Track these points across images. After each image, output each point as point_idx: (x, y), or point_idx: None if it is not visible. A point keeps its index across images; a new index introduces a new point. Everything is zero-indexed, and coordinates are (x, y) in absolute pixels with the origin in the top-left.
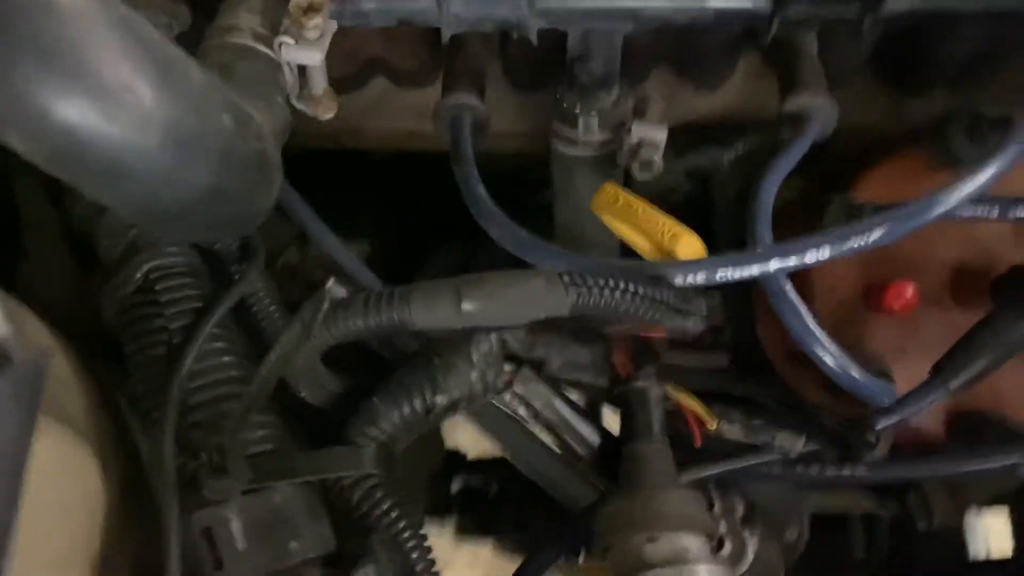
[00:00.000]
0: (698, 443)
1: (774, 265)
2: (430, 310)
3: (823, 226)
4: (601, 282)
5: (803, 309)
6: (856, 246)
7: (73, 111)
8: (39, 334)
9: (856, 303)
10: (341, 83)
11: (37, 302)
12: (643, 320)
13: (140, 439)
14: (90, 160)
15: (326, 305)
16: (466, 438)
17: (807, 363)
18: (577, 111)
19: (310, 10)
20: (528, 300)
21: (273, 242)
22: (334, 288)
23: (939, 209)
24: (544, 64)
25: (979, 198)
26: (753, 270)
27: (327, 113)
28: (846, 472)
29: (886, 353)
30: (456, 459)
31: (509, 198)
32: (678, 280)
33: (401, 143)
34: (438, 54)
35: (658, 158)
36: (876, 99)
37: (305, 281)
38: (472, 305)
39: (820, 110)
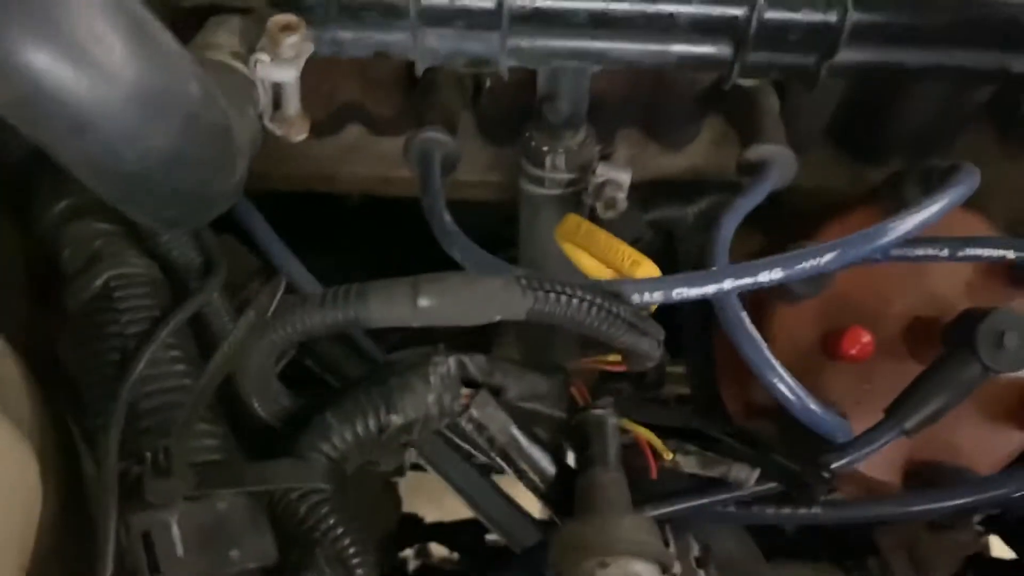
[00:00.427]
0: (654, 475)
1: (728, 284)
2: (387, 306)
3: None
4: (559, 287)
5: (760, 341)
6: (808, 267)
7: (42, 58)
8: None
9: (815, 352)
10: (316, 128)
11: None
12: (599, 333)
13: (86, 460)
14: (55, 109)
15: (280, 292)
16: (425, 503)
17: (767, 416)
18: (545, 149)
19: (287, 28)
20: (485, 300)
21: (237, 274)
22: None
23: (888, 237)
24: (515, 118)
25: (929, 239)
26: (709, 288)
27: (299, 135)
28: (802, 511)
29: (844, 403)
30: (413, 523)
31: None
32: (635, 297)
33: (375, 188)
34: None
35: (622, 196)
36: (837, 167)
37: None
38: (428, 302)
39: (779, 156)
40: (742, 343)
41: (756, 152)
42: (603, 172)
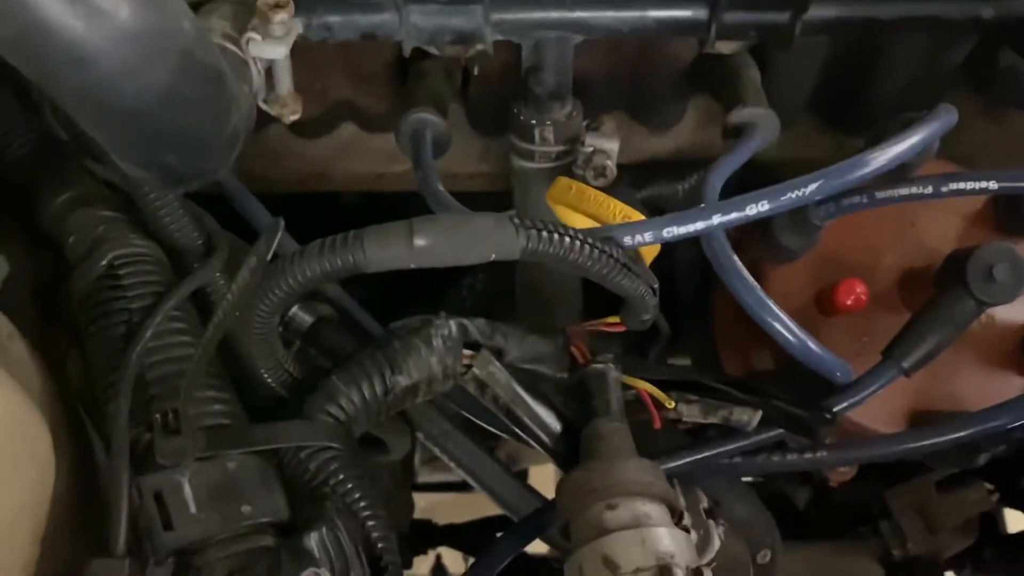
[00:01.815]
0: (657, 424)
1: (717, 219)
2: (383, 249)
3: (774, 237)
4: (552, 227)
5: (755, 283)
6: (793, 197)
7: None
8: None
9: (811, 310)
10: (310, 127)
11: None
12: (593, 273)
13: (94, 439)
14: (53, 43)
15: (280, 233)
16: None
17: (767, 375)
18: (533, 123)
19: (276, 6)
20: (480, 238)
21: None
22: (298, 315)
23: (869, 167)
24: (504, 108)
25: (912, 179)
26: (698, 226)
27: (292, 115)
28: (808, 456)
29: (844, 357)
30: (427, 528)
31: None
32: (627, 240)
33: (369, 185)
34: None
35: (611, 164)
36: (820, 137)
37: None
38: (424, 241)
39: (763, 118)
40: (737, 287)
41: (739, 115)
42: (592, 142)
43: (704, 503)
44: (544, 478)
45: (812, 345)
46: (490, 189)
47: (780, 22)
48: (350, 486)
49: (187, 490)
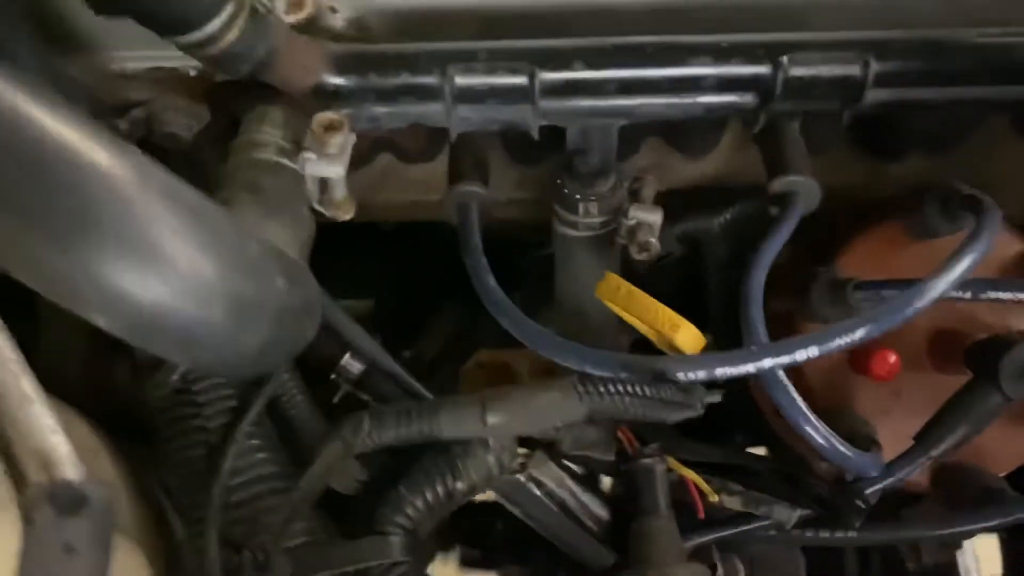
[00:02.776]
0: (701, 515)
1: (768, 363)
2: (457, 424)
3: (811, 301)
4: (611, 388)
5: (793, 391)
6: (842, 343)
7: (149, 293)
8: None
9: (843, 367)
10: (351, 160)
11: (54, 377)
12: (649, 418)
13: (173, 519)
14: (164, 335)
15: (366, 427)
16: None
17: None
18: (577, 198)
19: (331, 128)
20: (547, 411)
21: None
22: (350, 363)
23: (917, 304)
24: (543, 138)
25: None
26: (749, 368)
27: (346, 215)
28: (838, 535)
29: (872, 414)
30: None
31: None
32: (680, 376)
33: (406, 214)
34: (441, 134)
35: (655, 240)
36: (855, 165)
37: (318, 355)
38: (497, 418)
39: (804, 188)
40: (776, 394)
41: (782, 183)
42: (635, 214)
43: (741, 574)
44: None
45: (845, 450)
46: (526, 218)
47: (831, 108)
48: None
49: None
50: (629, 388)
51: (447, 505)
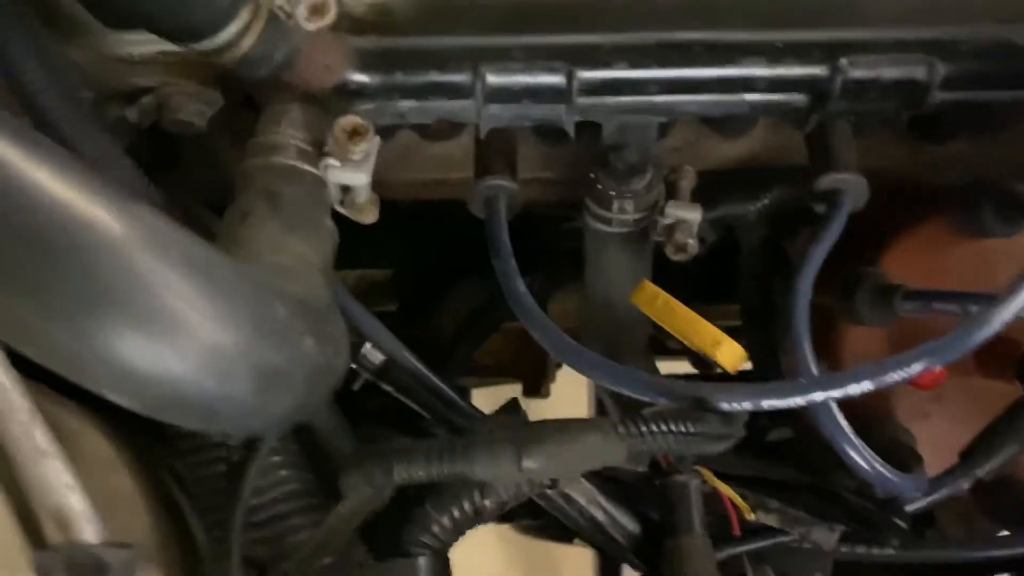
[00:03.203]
0: (736, 531)
1: (819, 397)
2: (492, 466)
3: (855, 303)
4: (653, 427)
5: (837, 412)
6: (898, 378)
7: (166, 371)
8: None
9: None
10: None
11: None
12: (687, 452)
13: (194, 525)
14: (184, 412)
15: (396, 475)
16: None
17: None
18: (612, 194)
19: (355, 135)
20: (587, 455)
21: None
22: (370, 354)
23: (976, 340)
24: None
25: None
26: (798, 400)
27: (369, 219)
28: (875, 552)
29: (912, 418)
30: None
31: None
32: (723, 406)
33: (427, 193)
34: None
35: (693, 241)
36: (897, 147)
37: None
38: (533, 463)
39: (853, 185)
40: (819, 414)
41: (829, 181)
42: (672, 212)
43: None
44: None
45: (888, 473)
46: (550, 198)
47: (888, 110)
48: None
49: None
50: (671, 426)
51: (474, 522)
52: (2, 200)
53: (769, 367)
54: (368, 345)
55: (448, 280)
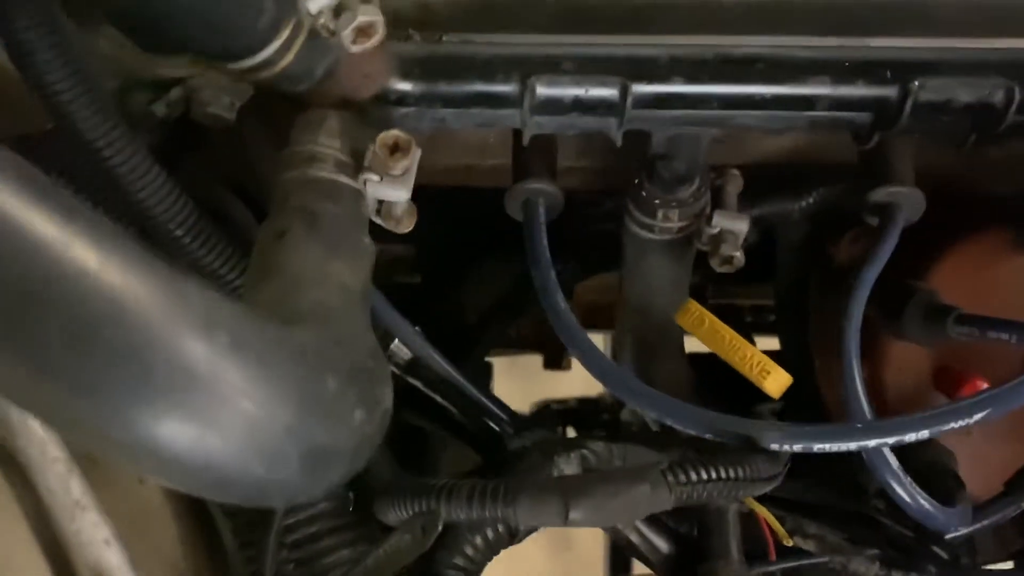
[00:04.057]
0: (772, 557)
1: (872, 442)
2: (536, 515)
3: (902, 324)
4: (703, 474)
5: (890, 455)
6: (956, 426)
7: (208, 458)
8: None
9: (926, 384)
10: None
11: None
12: (733, 498)
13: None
14: (230, 494)
15: (439, 529)
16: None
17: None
18: (657, 203)
19: (396, 150)
20: (634, 506)
21: None
22: (400, 350)
23: None
24: None
25: None
26: (851, 446)
27: (406, 228)
28: None
29: (952, 435)
30: None
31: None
32: (773, 445)
33: (459, 179)
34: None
35: (739, 255)
36: (947, 147)
37: None
38: (580, 515)
39: (908, 199)
40: (871, 455)
41: (884, 193)
42: (719, 222)
43: None
44: None
45: (929, 507)
46: (588, 187)
47: (955, 133)
48: None
49: None
50: (721, 472)
51: (508, 543)
52: (39, 282)
53: (803, 367)
54: (398, 341)
55: (473, 257)
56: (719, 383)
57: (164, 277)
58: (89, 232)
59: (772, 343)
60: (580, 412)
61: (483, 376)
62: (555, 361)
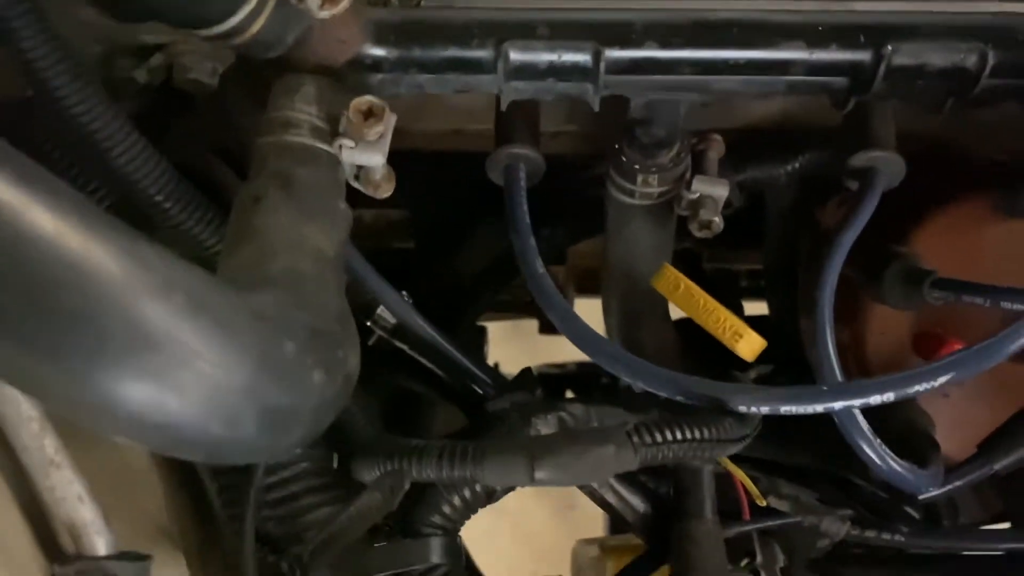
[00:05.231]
0: (746, 516)
1: (839, 405)
2: (503, 475)
3: (881, 287)
4: (667, 435)
5: (859, 417)
6: (921, 389)
7: (169, 417)
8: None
9: (905, 347)
10: (392, 95)
11: None
12: (700, 459)
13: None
14: (190, 451)
15: (405, 487)
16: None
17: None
18: (636, 168)
19: (370, 115)
20: (599, 466)
21: None
22: (386, 314)
23: (1007, 352)
24: None
25: None
26: (818, 408)
27: (385, 193)
28: (885, 536)
29: (930, 398)
30: None
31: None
32: (741, 408)
33: (447, 143)
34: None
35: (718, 219)
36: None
37: (355, 301)
38: (545, 474)
39: (887, 164)
40: (841, 416)
41: (864, 158)
42: (698, 187)
43: (780, 562)
44: None
45: (901, 469)
46: (575, 151)
47: (936, 99)
48: None
49: None
50: (686, 433)
51: (485, 503)
52: None
53: (792, 333)
54: (381, 308)
55: (467, 222)
56: (707, 348)
57: (122, 241)
58: (47, 197)
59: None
60: (579, 376)
61: (477, 340)
62: (550, 325)
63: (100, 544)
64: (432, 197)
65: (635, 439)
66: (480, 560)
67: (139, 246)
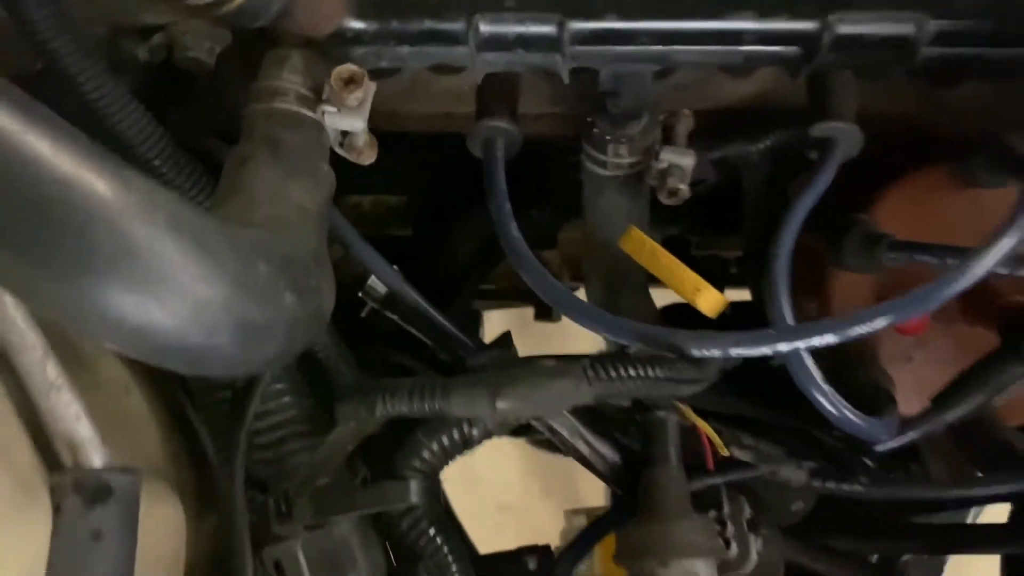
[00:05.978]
0: (710, 466)
1: (783, 347)
2: (468, 406)
3: (841, 252)
4: (622, 372)
5: (807, 358)
6: (861, 332)
7: (155, 325)
8: (115, 370)
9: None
10: (377, 69)
11: None
12: (657, 396)
13: (205, 441)
14: (172, 359)
15: (378, 411)
16: None
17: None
18: (608, 139)
19: (351, 82)
20: (556, 398)
21: None
22: (376, 284)
23: (942, 297)
24: None
25: None
26: (764, 350)
27: (368, 160)
28: (845, 487)
29: (894, 361)
30: None
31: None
32: (694, 352)
33: (437, 125)
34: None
35: (684, 187)
36: (907, 89)
37: (346, 276)
38: (506, 404)
39: (845, 135)
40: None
41: (823, 128)
42: (666, 157)
43: (747, 514)
44: None
45: (855, 417)
46: (559, 133)
47: (884, 63)
48: (439, 542)
49: (301, 559)
50: (640, 371)
51: (462, 449)
52: (2, 166)
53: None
54: (372, 278)
55: (462, 207)
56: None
57: (110, 166)
58: (45, 125)
59: None
60: None
61: (472, 324)
62: (546, 312)
63: (96, 458)
64: (428, 181)
65: (590, 373)
66: None
67: (127, 171)
